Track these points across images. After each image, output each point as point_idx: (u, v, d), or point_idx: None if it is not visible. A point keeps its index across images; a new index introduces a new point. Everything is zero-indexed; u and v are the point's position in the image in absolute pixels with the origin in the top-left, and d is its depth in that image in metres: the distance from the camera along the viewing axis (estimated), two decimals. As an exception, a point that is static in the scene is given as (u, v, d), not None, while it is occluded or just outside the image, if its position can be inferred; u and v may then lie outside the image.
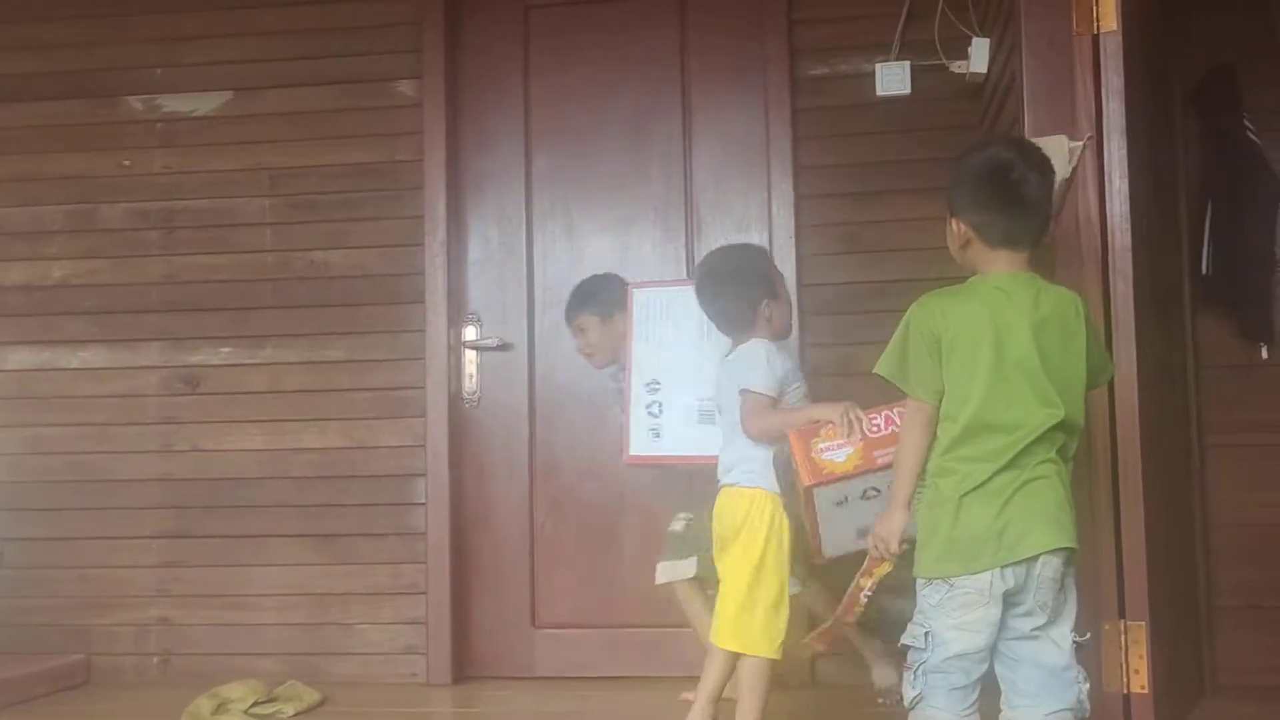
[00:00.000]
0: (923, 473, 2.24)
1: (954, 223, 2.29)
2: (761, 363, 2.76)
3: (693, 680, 3.68)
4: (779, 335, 2.90)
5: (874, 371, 2.29)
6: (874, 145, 3.68)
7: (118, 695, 3.67)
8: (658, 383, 3.06)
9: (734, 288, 2.84)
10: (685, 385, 3.03)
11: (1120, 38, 2.67)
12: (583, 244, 3.89)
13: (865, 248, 3.69)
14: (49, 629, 3.84)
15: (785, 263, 3.69)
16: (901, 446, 2.27)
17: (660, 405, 3.05)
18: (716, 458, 2.84)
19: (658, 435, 3.05)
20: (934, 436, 2.23)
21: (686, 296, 2.99)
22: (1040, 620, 2.16)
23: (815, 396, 3.66)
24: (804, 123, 3.73)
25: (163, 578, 3.85)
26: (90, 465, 3.91)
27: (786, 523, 2.71)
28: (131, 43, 3.99)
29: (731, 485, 2.78)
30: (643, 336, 3.10)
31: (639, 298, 3.13)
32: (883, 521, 2.30)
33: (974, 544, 2.13)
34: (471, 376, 3.87)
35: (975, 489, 2.14)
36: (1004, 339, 2.17)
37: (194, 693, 3.33)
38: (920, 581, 2.21)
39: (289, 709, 3.31)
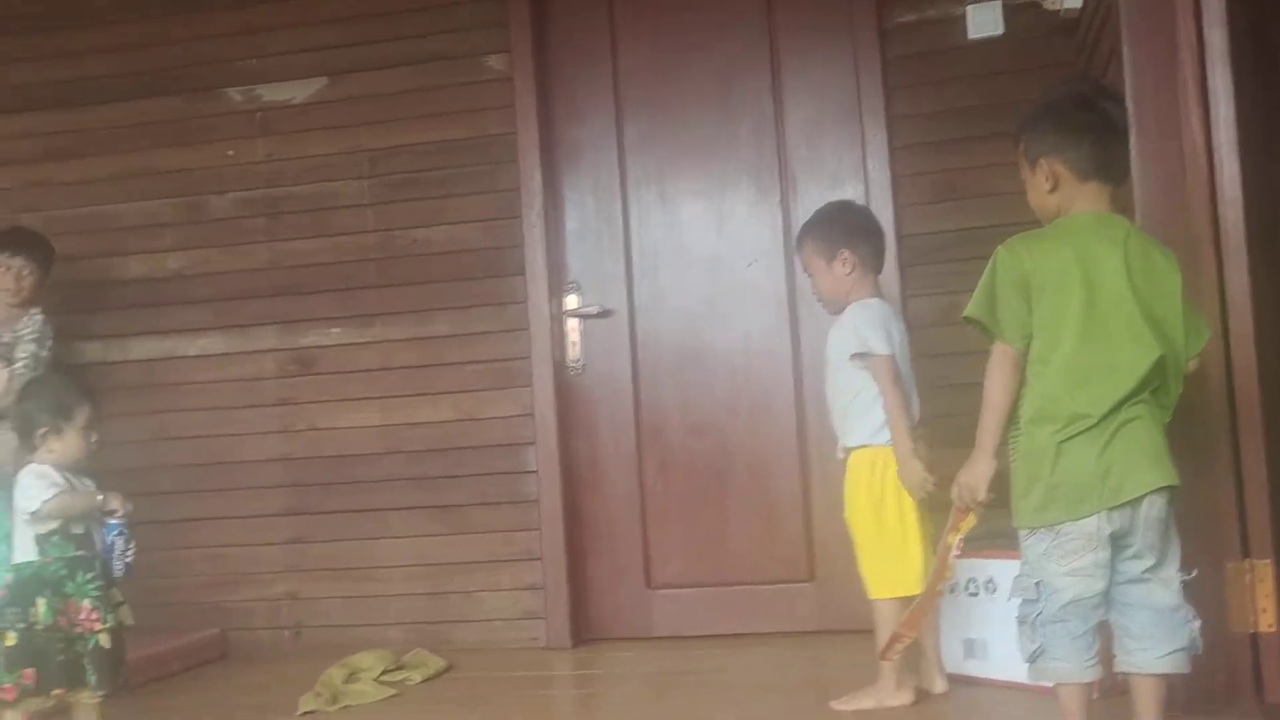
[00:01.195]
0: (1014, 421, 2.22)
1: (1041, 166, 2.25)
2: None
3: (809, 635, 3.71)
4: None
5: (963, 316, 2.28)
6: (967, 90, 3.63)
7: (253, 668, 3.81)
8: None
9: None
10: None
11: (1220, -37, 2.59)
12: (677, 208, 3.91)
13: (963, 194, 3.65)
14: (185, 607, 4.00)
15: (883, 214, 3.66)
16: (988, 392, 2.24)
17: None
18: None
19: None
20: (1021, 381, 2.20)
21: None
22: (1149, 561, 2.13)
23: (919, 349, 3.66)
24: (895, 72, 3.69)
25: (290, 554, 3.99)
26: (214, 448, 4.05)
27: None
28: (227, 36, 4.10)
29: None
30: None
31: None
32: (968, 470, 2.27)
33: (1077, 489, 2.11)
34: (575, 344, 3.92)
35: (1075, 434, 2.11)
36: (1095, 279, 2.13)
37: (326, 663, 3.45)
38: (1023, 533, 2.19)
39: (416, 676, 3.41)
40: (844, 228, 2.90)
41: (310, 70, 4.05)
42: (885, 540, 2.79)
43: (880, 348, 2.79)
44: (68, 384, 2.82)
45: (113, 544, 2.70)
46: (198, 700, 3.40)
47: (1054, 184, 2.25)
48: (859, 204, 3.27)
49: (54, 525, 2.65)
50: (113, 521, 2.70)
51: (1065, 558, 2.12)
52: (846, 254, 2.87)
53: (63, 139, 4.19)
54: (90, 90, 4.17)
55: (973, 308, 2.25)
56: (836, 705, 2.79)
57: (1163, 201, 2.57)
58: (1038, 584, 2.15)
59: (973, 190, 3.64)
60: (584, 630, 3.84)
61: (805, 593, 3.77)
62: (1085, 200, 2.22)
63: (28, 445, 2.72)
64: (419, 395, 3.93)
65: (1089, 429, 2.11)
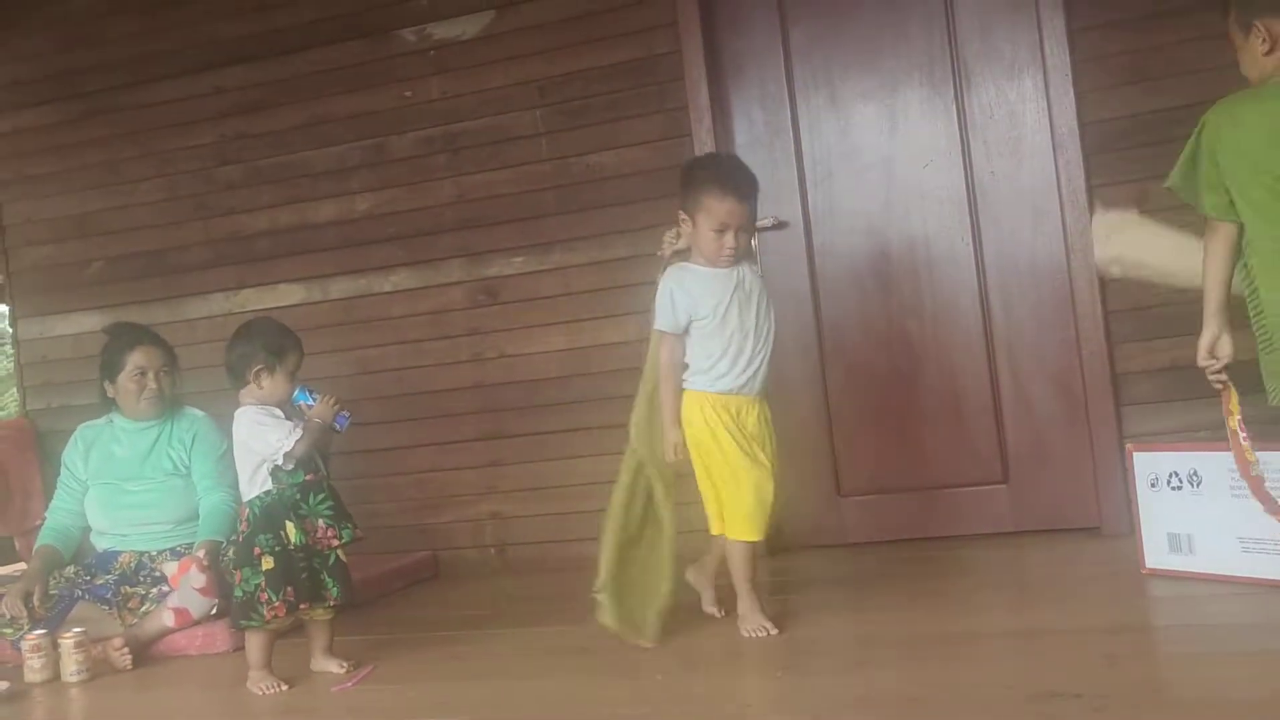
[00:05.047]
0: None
1: (1256, 29, 2.13)
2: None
3: (995, 537, 3.69)
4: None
5: (1164, 186, 2.19)
6: (1149, -36, 3.44)
7: (464, 585, 4.01)
8: None
9: None
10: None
11: None
12: (848, 113, 3.85)
13: (1150, 75, 3.48)
14: (396, 530, 4.22)
15: (1063, 102, 3.54)
16: (1206, 273, 2.16)
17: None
18: None
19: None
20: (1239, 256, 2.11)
21: None
22: None
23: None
24: (1071, -49, 3.52)
25: (488, 476, 4.16)
26: (412, 379, 4.24)
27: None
28: (396, -22, 4.20)
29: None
30: None
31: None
32: (1199, 342, 2.27)
33: None
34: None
35: None
36: None
37: (530, 579, 3.59)
38: None
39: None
40: None
41: (478, 5, 4.12)
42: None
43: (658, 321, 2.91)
44: (282, 328, 3.00)
45: (342, 420, 2.92)
46: (418, 615, 3.60)
47: (1271, 45, 2.13)
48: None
49: (295, 462, 2.85)
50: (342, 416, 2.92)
51: None
52: None
53: (252, 92, 4.39)
54: (273, 42, 4.34)
55: (1171, 177, 2.17)
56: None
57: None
58: None
59: (1162, 70, 3.46)
60: (778, 539, 3.88)
61: (998, 494, 3.73)
62: None
63: (240, 381, 2.91)
64: (602, 318, 4.01)
65: None
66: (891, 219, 3.81)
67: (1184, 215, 2.21)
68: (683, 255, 2.92)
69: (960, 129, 3.72)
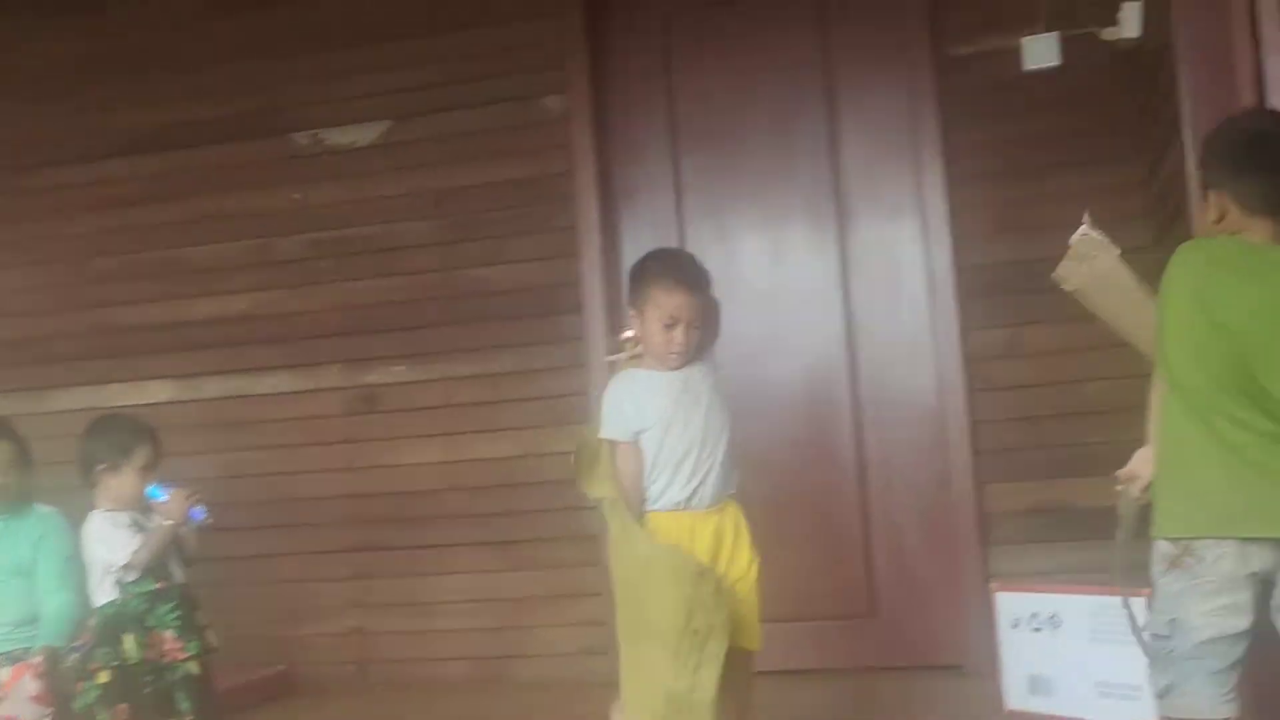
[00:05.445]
0: None
1: (1210, 196, 2.21)
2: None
3: (859, 672, 3.66)
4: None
5: None
6: (1025, 121, 3.61)
7: (320, 703, 3.86)
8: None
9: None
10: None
11: (1278, -10, 2.57)
12: (735, 243, 3.93)
13: (1022, 225, 3.62)
14: (253, 642, 4.03)
15: (941, 245, 3.66)
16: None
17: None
18: None
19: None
20: None
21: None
22: None
23: (979, 383, 3.64)
24: (951, 104, 3.69)
25: (355, 589, 4.04)
26: (282, 485, 4.12)
27: None
28: (294, 82, 4.20)
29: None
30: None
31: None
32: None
33: None
34: (634, 380, 3.93)
35: None
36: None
37: (390, 698, 3.47)
38: None
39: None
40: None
41: (375, 114, 4.13)
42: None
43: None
44: (130, 424, 2.90)
45: (196, 514, 2.80)
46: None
47: (1220, 216, 2.21)
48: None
49: (139, 572, 2.73)
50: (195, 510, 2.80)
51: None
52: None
53: (137, 184, 4.31)
54: (163, 136, 4.29)
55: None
56: None
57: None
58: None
59: (1032, 221, 3.61)
60: (645, 666, 3.83)
61: (865, 628, 3.74)
62: (1251, 234, 2.20)
63: (87, 480, 2.81)
64: (480, 432, 3.97)
65: None
66: (772, 349, 3.86)
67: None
68: (637, 362, 2.72)
69: (841, 266, 3.82)
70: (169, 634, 2.73)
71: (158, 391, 4.22)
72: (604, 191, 3.95)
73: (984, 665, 3.37)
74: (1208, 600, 2.04)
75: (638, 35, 4.01)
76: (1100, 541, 3.38)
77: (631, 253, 3.98)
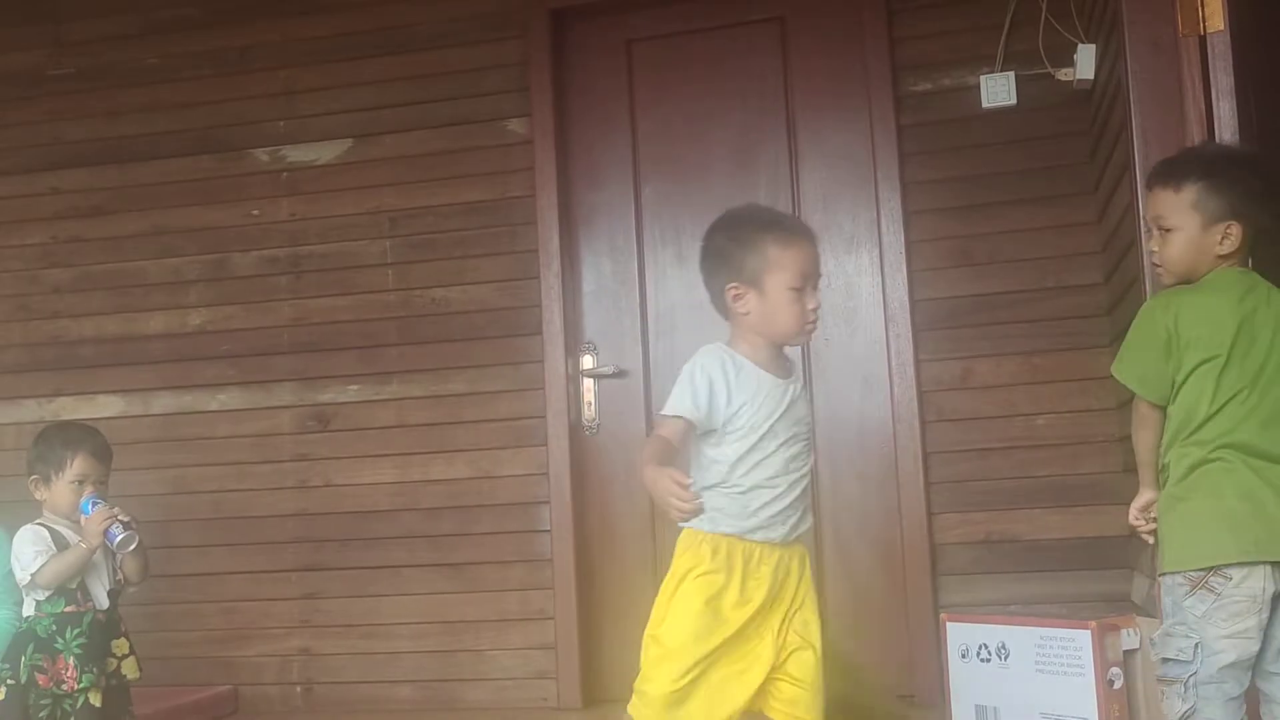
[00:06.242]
0: None
1: (1219, 225, 2.22)
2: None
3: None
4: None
5: None
6: (981, 158, 3.67)
7: (264, 724, 3.82)
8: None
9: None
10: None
11: (1228, 37, 2.64)
12: (693, 270, 3.90)
13: (977, 260, 3.68)
14: (197, 661, 4.00)
15: (896, 278, 3.71)
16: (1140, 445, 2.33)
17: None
18: None
19: None
20: None
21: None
22: None
23: (933, 413, 3.67)
24: (910, 139, 3.74)
25: (303, 609, 3.99)
26: (231, 503, 4.08)
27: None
28: (255, 98, 4.18)
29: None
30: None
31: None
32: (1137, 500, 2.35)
33: None
34: (590, 404, 3.95)
35: None
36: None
37: (340, 718, 3.43)
38: None
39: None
40: None
41: (336, 132, 4.12)
42: None
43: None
44: (65, 435, 2.85)
45: (113, 535, 2.70)
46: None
47: (1235, 245, 2.22)
48: None
49: (49, 591, 2.68)
50: (113, 530, 2.71)
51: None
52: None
53: (92, 196, 4.26)
54: (120, 149, 4.25)
55: None
56: None
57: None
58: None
59: (988, 257, 3.67)
60: (595, 690, 3.82)
61: (818, 657, 3.75)
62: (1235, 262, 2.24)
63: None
64: (435, 453, 3.95)
65: None
66: (729, 376, 3.88)
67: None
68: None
69: (799, 295, 3.85)
70: (71, 660, 2.67)
71: (108, 405, 4.16)
72: (564, 217, 3.95)
73: (933, 695, 3.40)
74: (1232, 623, 2.08)
75: (601, 60, 4.04)
76: (1048, 573, 3.46)
77: (591, 278, 4.00)
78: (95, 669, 2.68)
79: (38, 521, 2.81)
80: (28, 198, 4.30)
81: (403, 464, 3.97)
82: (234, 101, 4.19)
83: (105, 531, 2.69)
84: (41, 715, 2.63)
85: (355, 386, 4.03)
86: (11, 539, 3.20)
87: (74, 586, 2.73)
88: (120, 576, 2.87)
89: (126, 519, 2.72)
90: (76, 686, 2.65)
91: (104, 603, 2.77)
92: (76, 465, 2.78)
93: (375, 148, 4.09)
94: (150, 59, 4.25)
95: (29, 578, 2.67)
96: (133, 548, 2.73)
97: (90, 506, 2.72)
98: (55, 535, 2.77)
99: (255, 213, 4.16)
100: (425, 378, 3.98)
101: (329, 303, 4.08)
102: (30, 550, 2.70)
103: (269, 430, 4.08)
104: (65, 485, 2.77)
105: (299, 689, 3.98)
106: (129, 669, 2.79)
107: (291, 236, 4.13)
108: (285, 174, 4.15)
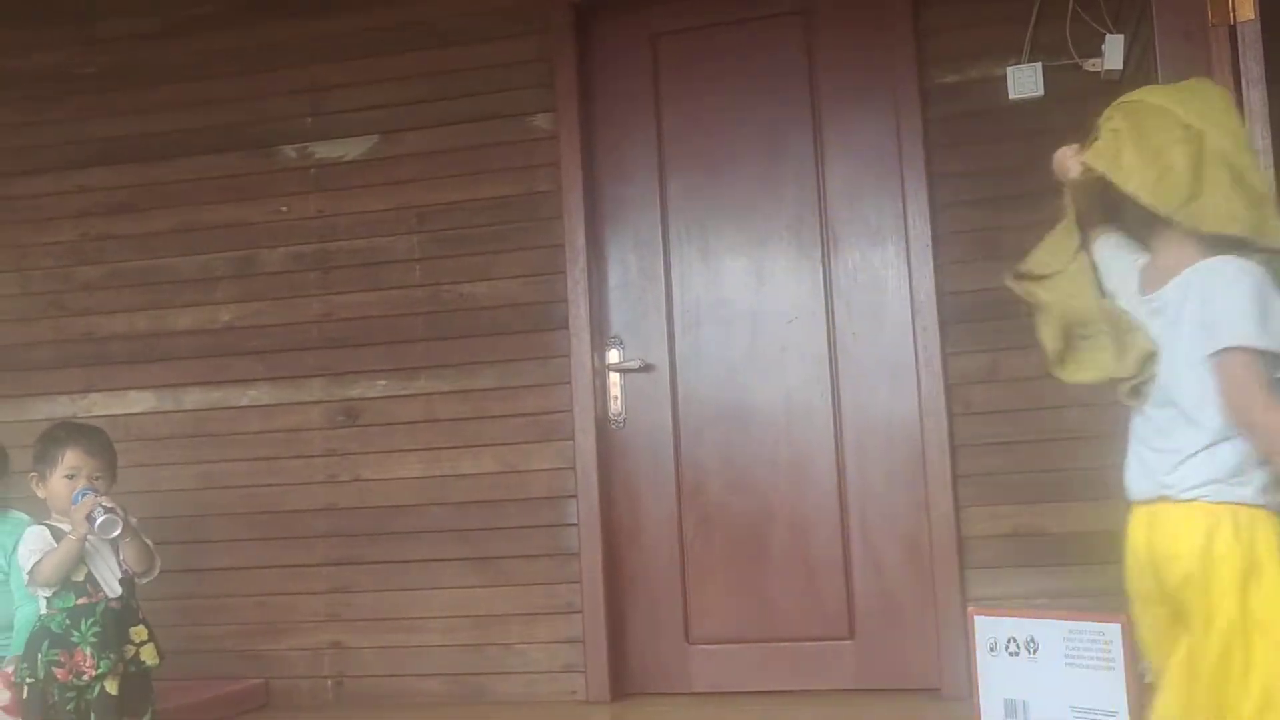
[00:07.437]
0: None
1: None
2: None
3: (838, 694, 3.65)
4: None
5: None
6: (1009, 150, 3.64)
7: (296, 717, 3.84)
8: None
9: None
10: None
11: (1258, 26, 2.61)
12: (718, 265, 3.95)
13: (1004, 253, 3.64)
14: (229, 655, 4.04)
15: (923, 271, 3.69)
16: None
17: None
18: None
19: None
20: None
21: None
22: None
23: (959, 406, 3.67)
24: (936, 131, 3.72)
25: (333, 603, 4.02)
26: (262, 497, 4.11)
27: None
28: (283, 95, 4.20)
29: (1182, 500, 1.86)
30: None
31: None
32: None
33: None
34: (616, 398, 3.96)
35: None
36: None
37: (369, 712, 3.46)
38: None
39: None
40: None
41: (363, 128, 4.14)
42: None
43: None
44: (55, 431, 2.89)
45: (94, 520, 2.71)
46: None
47: None
48: None
49: (55, 587, 2.72)
50: (94, 514, 2.71)
51: None
52: None
53: (121, 193, 4.30)
54: (148, 147, 4.28)
55: None
56: None
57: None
58: None
59: (1015, 249, 3.62)
60: (623, 684, 3.84)
61: (844, 650, 3.75)
62: None
63: None
64: (463, 447, 3.97)
65: None
66: (754, 370, 3.88)
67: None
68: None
69: (825, 289, 3.85)
70: (87, 650, 2.70)
71: (139, 401, 4.21)
72: (590, 211, 3.96)
73: (961, 689, 3.39)
74: None
75: (626, 54, 4.04)
76: (1077, 567, 3.44)
77: (617, 272, 4.01)
78: (113, 655, 2.71)
79: (43, 522, 2.85)
80: (57, 196, 4.35)
81: (431, 459, 3.99)
82: (261, 98, 4.22)
83: (89, 518, 2.72)
84: (68, 709, 2.66)
85: (383, 381, 4.06)
86: None
87: (82, 579, 2.76)
88: (125, 566, 2.90)
89: (110, 505, 2.73)
90: (95, 674, 2.68)
91: (116, 590, 2.80)
92: (67, 459, 2.81)
93: (401, 144, 4.11)
94: (177, 57, 4.29)
95: (26, 578, 2.71)
96: (116, 532, 2.72)
97: (80, 498, 2.75)
98: (56, 534, 2.80)
99: (283, 209, 4.19)
100: (453, 372, 4.00)
101: (357, 298, 4.10)
102: (27, 550, 2.74)
103: (298, 425, 4.11)
104: (59, 480, 2.80)
105: (329, 682, 4.01)
106: (148, 655, 2.81)
107: (319, 233, 4.15)
108: (313, 170, 4.18)
